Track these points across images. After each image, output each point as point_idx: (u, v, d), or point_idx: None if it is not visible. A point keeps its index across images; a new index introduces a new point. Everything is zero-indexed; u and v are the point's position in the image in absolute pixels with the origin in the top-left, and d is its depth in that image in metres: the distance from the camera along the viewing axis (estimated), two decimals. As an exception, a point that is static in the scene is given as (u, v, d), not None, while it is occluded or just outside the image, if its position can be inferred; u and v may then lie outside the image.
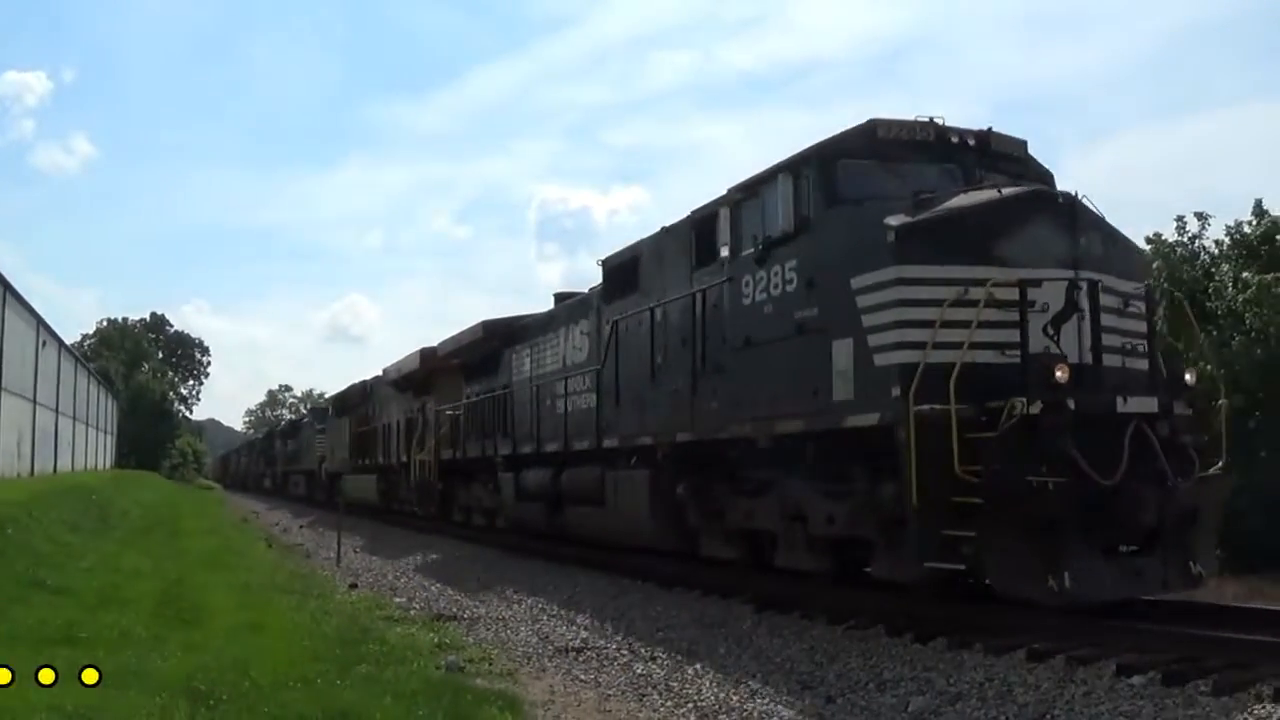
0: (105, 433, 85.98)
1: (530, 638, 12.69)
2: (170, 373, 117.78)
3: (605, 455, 17.57)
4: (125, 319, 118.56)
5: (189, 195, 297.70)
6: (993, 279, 10.54)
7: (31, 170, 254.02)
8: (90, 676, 7.97)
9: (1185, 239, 27.83)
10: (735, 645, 11.53)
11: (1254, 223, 26.22)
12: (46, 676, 7.83)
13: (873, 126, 12.34)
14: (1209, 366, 17.86)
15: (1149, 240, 27.32)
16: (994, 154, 12.66)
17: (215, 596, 14.11)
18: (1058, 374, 10.12)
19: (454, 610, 14.93)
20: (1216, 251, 27.25)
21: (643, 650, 11.58)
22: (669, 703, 9.76)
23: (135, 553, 20.01)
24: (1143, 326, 11.79)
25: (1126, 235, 12.37)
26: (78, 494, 31.65)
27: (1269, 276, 23.84)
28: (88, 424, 73.07)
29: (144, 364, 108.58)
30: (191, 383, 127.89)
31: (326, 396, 71.04)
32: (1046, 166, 13.25)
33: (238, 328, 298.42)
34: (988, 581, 10.52)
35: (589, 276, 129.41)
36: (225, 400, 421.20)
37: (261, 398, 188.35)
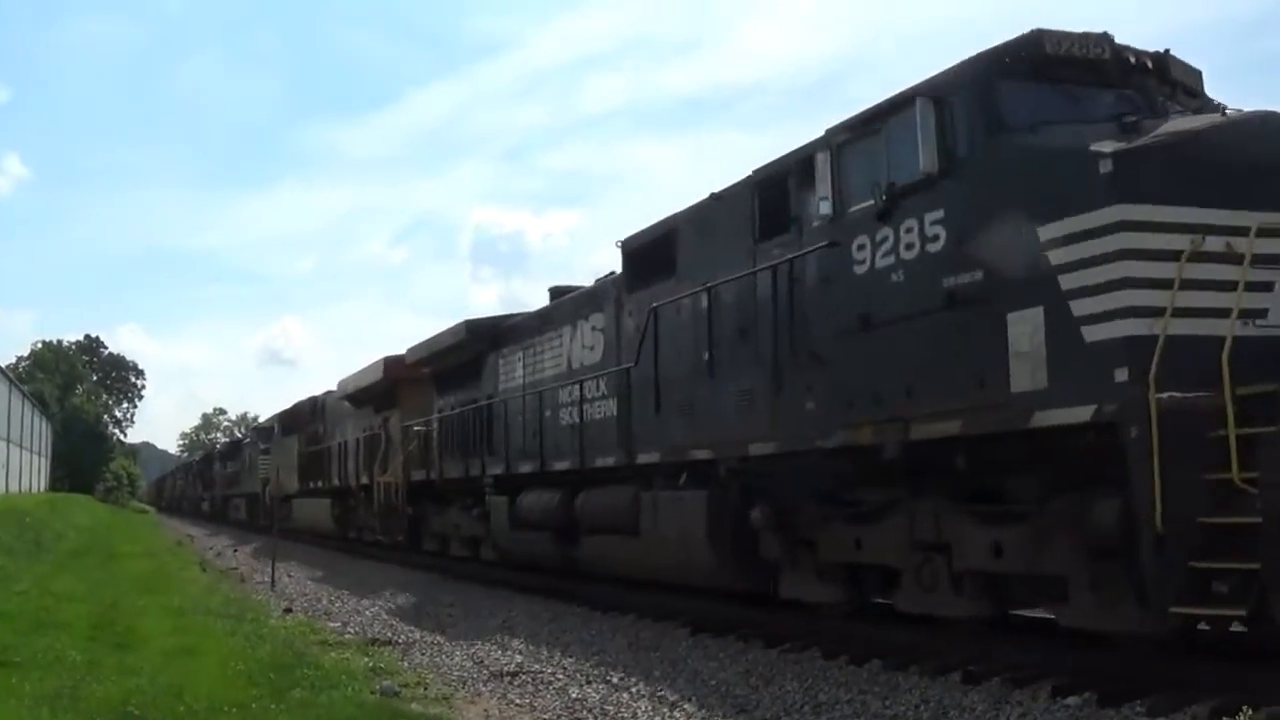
0: (39, 455, 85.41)
1: (465, 662, 12.58)
2: (105, 395, 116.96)
3: (638, 473, 14.59)
4: (60, 341, 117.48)
5: (124, 217, 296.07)
6: (1259, 224, 8.13)
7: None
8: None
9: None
10: (671, 668, 11.41)
11: None
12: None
13: (1038, 38, 9.65)
14: None
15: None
16: (1173, 81, 10.13)
17: (150, 621, 14.11)
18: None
19: (389, 635, 14.82)
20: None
21: (578, 674, 11.45)
22: (604, 727, 9.60)
23: (69, 576, 19.97)
24: None
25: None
26: (11, 517, 31.60)
27: None
28: (21, 446, 72.54)
29: (78, 386, 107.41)
30: (126, 405, 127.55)
31: (262, 420, 69.04)
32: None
33: (171, 350, 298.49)
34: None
35: (525, 298, 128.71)
36: (159, 423, 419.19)
37: (196, 421, 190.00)
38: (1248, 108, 9.33)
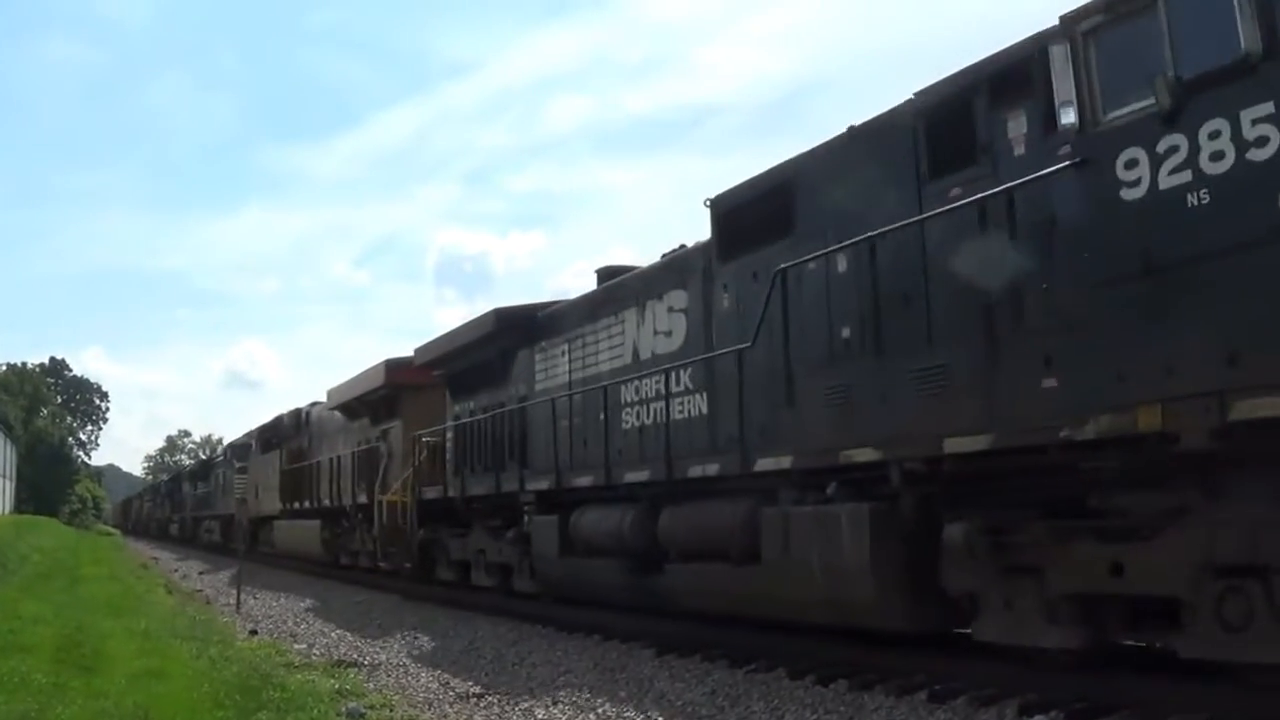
0: (3, 478, 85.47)
1: (431, 684, 12.61)
2: (69, 418, 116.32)
3: (752, 483, 11.73)
4: (24, 363, 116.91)
5: (87, 239, 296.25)
6: None
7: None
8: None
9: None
10: (637, 689, 11.36)
11: None
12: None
13: None
14: None
15: None
16: None
17: (116, 643, 14.20)
18: None
19: (354, 656, 14.86)
20: None
21: (544, 695, 11.49)
22: (572, 748, 9.82)
23: (35, 599, 19.92)
24: None
25: None
26: (-25, 540, 31.23)
27: None
28: (-15, 469, 71.86)
29: (43, 409, 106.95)
30: (90, 428, 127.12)
31: (229, 439, 68.27)
32: None
33: (135, 373, 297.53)
34: None
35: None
36: (124, 446, 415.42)
37: (160, 443, 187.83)
38: None
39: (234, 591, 23.53)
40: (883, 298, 10.08)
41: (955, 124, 9.51)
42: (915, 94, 10.05)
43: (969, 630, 9.64)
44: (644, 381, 14.16)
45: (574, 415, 15.76)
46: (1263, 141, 7.13)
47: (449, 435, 20.91)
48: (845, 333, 10.53)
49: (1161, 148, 7.69)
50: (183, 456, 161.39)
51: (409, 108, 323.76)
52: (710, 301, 12.96)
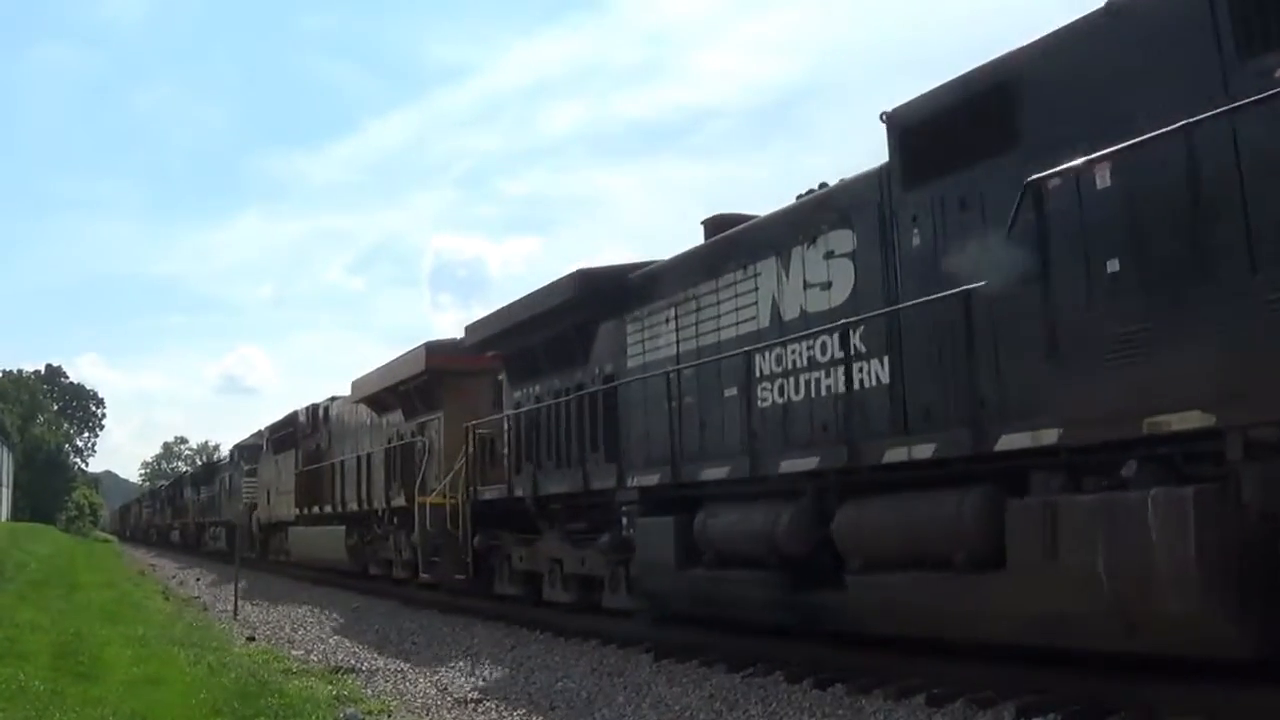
0: (0, 485, 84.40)
1: (429, 689, 12.59)
2: (66, 425, 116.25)
3: (979, 468, 9.05)
4: (20, 370, 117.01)
5: (82, 245, 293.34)
6: None
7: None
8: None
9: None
10: (634, 694, 11.28)
11: None
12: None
13: None
14: None
15: None
16: None
17: (113, 650, 14.14)
18: None
19: (352, 662, 14.83)
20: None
21: (542, 700, 11.42)
22: (570, 752, 9.81)
23: (32, 606, 19.89)
24: None
25: None
26: (-28, 547, 31.23)
27: None
28: (-18, 477, 71.87)
29: (39, 416, 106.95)
30: (87, 435, 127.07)
31: (222, 448, 67.30)
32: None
33: (131, 379, 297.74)
34: None
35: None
36: (121, 453, 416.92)
37: (157, 450, 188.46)
38: None
39: (232, 598, 23.44)
40: (1203, 207, 7.44)
41: None
42: None
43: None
44: (792, 347, 11.39)
45: (685, 395, 13.01)
46: None
47: (508, 426, 17.95)
48: (1132, 262, 7.95)
49: None
50: (179, 463, 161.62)
51: (404, 113, 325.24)
52: (892, 240, 10.24)
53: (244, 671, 12.83)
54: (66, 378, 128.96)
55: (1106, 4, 8.41)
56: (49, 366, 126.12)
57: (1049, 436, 8.39)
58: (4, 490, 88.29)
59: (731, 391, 12.23)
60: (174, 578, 36.72)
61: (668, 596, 13.15)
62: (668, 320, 13.67)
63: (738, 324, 12.37)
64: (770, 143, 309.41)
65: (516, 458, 17.47)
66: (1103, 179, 8.17)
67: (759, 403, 11.75)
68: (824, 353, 10.97)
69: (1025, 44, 9.12)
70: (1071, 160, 8.20)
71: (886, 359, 10.16)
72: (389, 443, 24.28)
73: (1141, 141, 7.64)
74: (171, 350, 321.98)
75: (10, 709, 9.57)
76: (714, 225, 13.93)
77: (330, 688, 12.31)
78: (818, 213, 11.40)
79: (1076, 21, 8.67)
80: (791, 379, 11.40)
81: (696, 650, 12.48)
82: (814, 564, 10.64)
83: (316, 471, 30.48)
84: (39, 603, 20.88)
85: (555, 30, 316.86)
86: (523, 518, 16.96)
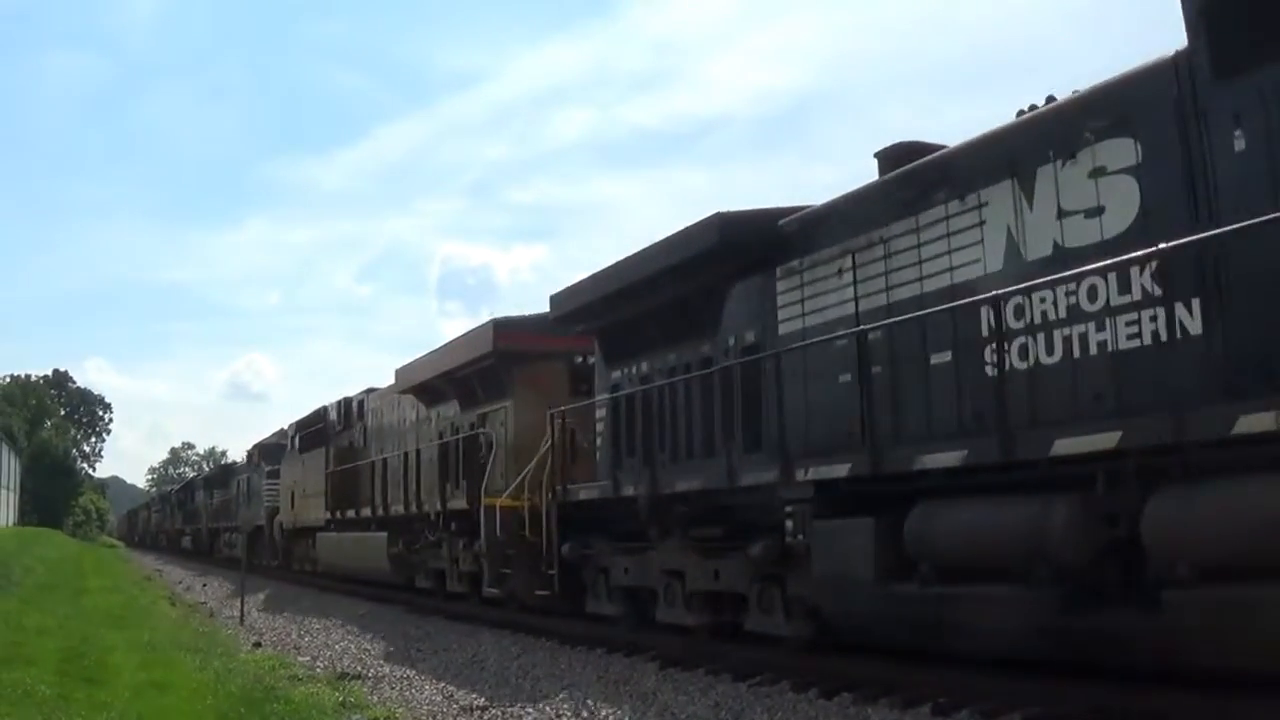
0: (7, 490, 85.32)
1: (435, 696, 12.59)
2: (73, 430, 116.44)
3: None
4: (28, 375, 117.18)
5: (91, 251, 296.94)
6: None
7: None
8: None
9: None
10: (640, 702, 11.27)
11: None
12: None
13: None
14: None
15: None
16: None
17: (120, 655, 14.16)
18: None
19: (358, 669, 14.86)
20: None
21: (548, 708, 11.40)
22: (575, 761, 9.78)
23: (39, 611, 19.82)
24: None
25: None
26: (-21, 552, 31.28)
27: None
28: (-11, 481, 72.02)
29: (46, 421, 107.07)
30: (94, 440, 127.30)
31: (228, 454, 66.38)
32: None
33: (138, 385, 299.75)
34: None
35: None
36: (127, 458, 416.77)
37: (164, 455, 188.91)
38: None
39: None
40: None
41: None
42: None
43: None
44: (1041, 295, 8.82)
45: (875, 363, 10.40)
46: None
47: (604, 413, 15.38)
48: None
49: None
50: (186, 469, 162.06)
51: (412, 121, 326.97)
52: (1199, 148, 7.83)
53: (250, 677, 12.86)
54: (74, 383, 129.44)
55: None
56: (56, 371, 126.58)
57: None
58: (11, 495, 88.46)
59: (943, 356, 9.75)
60: (180, 582, 36.73)
61: (863, 621, 10.35)
62: (841, 272, 11.12)
63: (951, 269, 9.91)
64: (779, 151, 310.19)
65: (615, 450, 14.88)
66: None
67: (985, 367, 9.20)
68: (1092, 299, 8.44)
69: None
70: None
71: (1199, 301, 7.64)
72: (440, 437, 21.64)
73: None
74: (179, 356, 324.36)
75: (17, 713, 9.58)
76: (896, 156, 11.28)
77: (336, 694, 12.32)
78: (1078, 119, 8.78)
79: None
80: (1034, 336, 8.90)
81: (702, 659, 12.47)
82: (1101, 577, 8.08)
83: (351, 471, 27.40)
84: (46, 607, 20.85)
85: (564, 39, 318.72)
86: (622, 522, 14.33)
